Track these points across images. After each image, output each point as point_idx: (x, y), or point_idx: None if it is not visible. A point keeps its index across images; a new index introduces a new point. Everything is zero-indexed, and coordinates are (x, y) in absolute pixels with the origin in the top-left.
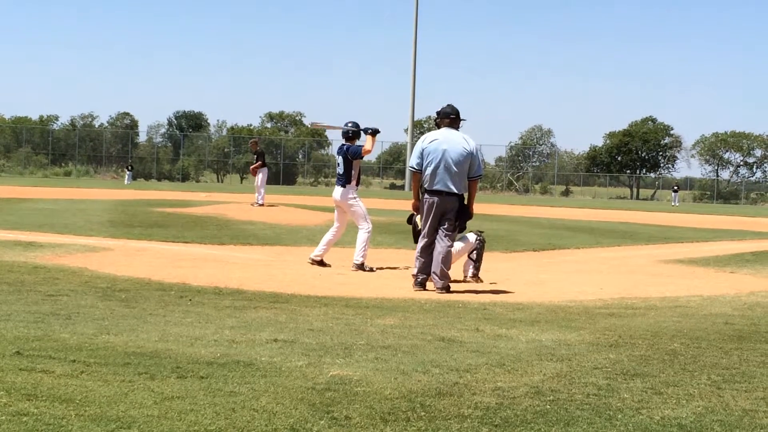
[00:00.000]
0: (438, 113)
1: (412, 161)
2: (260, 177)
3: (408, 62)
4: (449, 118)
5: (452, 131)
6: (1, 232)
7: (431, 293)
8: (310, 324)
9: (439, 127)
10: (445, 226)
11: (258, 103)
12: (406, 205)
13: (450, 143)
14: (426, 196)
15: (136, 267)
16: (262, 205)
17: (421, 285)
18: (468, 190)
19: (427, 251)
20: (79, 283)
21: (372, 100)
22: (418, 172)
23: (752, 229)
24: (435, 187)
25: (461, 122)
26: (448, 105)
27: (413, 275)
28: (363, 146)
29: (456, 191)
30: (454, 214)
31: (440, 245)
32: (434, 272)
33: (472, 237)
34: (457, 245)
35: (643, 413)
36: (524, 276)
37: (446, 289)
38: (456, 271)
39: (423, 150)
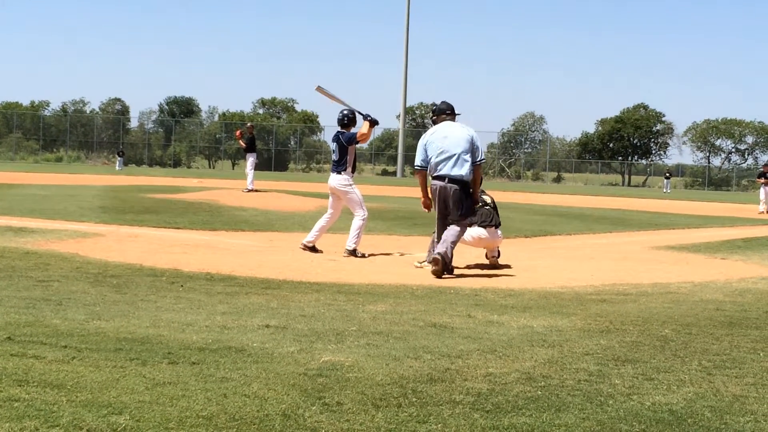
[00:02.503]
0: (434, 111)
1: (417, 160)
2: (250, 162)
3: (400, 48)
4: (445, 114)
5: (449, 123)
6: None
7: (422, 279)
8: (301, 310)
9: (435, 124)
10: (453, 215)
11: (250, 89)
12: (399, 191)
13: (449, 131)
14: (432, 182)
15: (127, 253)
16: (251, 190)
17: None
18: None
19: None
20: (70, 268)
21: (364, 86)
22: (423, 169)
23: (743, 215)
24: (439, 173)
25: (456, 116)
26: (443, 102)
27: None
28: (358, 131)
29: (460, 176)
30: (458, 200)
31: (453, 228)
32: (437, 243)
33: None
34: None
35: (634, 399)
36: (516, 262)
37: (437, 264)
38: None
39: (425, 144)
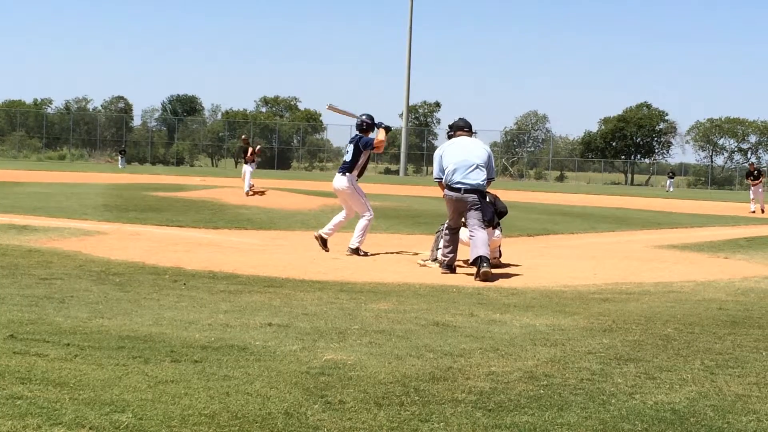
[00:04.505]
0: (451, 126)
1: (435, 172)
2: (251, 167)
3: (403, 47)
4: (462, 130)
5: (466, 137)
6: None
7: (425, 278)
8: (304, 308)
9: (450, 139)
10: (471, 221)
11: (253, 87)
12: (401, 190)
13: (467, 143)
14: (446, 192)
15: (130, 251)
16: (249, 191)
17: (449, 267)
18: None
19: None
20: (73, 266)
21: (367, 85)
22: (442, 180)
23: (746, 215)
24: (454, 184)
25: (473, 134)
26: (461, 119)
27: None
28: (375, 138)
29: (477, 183)
30: (480, 207)
31: (482, 233)
32: (482, 256)
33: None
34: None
35: (637, 398)
36: (519, 261)
37: (487, 276)
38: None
39: (441, 155)
